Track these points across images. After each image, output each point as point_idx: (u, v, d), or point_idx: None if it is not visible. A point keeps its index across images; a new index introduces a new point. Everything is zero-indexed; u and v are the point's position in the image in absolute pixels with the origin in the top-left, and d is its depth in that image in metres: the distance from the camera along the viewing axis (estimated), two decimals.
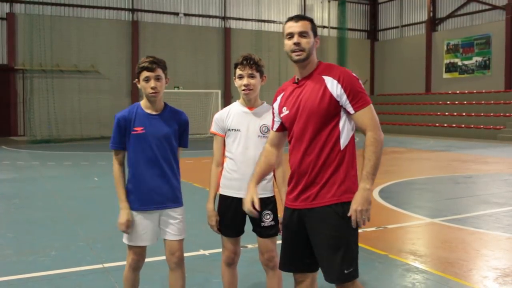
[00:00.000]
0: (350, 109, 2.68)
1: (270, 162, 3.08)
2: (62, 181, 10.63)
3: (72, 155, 16.46)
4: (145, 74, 3.25)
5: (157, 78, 3.27)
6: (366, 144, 2.67)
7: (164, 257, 3.49)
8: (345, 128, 2.73)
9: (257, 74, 3.27)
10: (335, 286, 2.79)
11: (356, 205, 2.61)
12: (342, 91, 2.67)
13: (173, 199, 3.36)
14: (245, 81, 3.24)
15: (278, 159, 3.32)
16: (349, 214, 2.63)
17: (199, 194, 9.04)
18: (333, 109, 2.69)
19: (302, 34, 2.76)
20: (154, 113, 3.32)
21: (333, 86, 2.69)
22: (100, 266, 4.88)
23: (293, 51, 2.76)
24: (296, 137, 2.79)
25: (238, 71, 3.28)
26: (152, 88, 3.24)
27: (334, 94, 2.68)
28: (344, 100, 2.68)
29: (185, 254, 5.15)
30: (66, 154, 16.58)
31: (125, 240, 3.37)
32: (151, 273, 4.52)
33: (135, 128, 3.27)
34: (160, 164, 3.29)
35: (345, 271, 2.67)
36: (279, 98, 2.94)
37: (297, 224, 2.81)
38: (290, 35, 2.78)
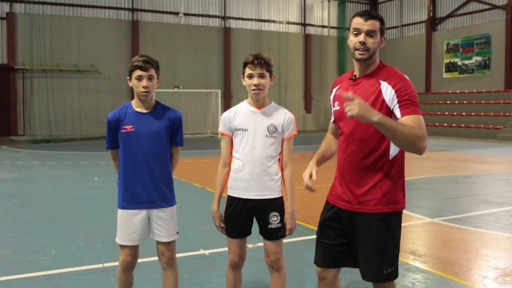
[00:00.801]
0: (398, 113, 2.58)
1: (331, 147, 3.05)
2: (62, 181, 10.62)
3: (72, 154, 16.46)
4: (138, 72, 3.23)
5: (150, 78, 3.25)
6: (411, 126, 2.49)
7: None
8: None
9: (267, 74, 3.23)
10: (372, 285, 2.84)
11: (359, 99, 2.40)
12: (395, 95, 2.60)
13: (163, 199, 3.32)
14: (255, 80, 3.18)
15: (288, 158, 3.31)
16: (346, 94, 2.44)
17: (199, 194, 9.04)
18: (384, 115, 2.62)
19: (369, 33, 2.65)
20: (144, 111, 3.31)
21: (387, 91, 2.62)
22: (100, 266, 4.87)
23: (357, 49, 2.67)
24: (345, 136, 2.77)
25: (248, 70, 3.21)
26: (144, 87, 3.22)
27: (387, 100, 2.61)
28: (394, 103, 2.59)
29: (185, 254, 5.21)
30: (66, 154, 16.57)
31: (116, 239, 3.38)
32: (150, 272, 4.52)
33: (125, 127, 3.27)
34: (150, 162, 3.26)
35: (384, 271, 2.70)
36: (334, 90, 2.92)
37: (335, 220, 2.84)
38: (357, 32, 2.67)
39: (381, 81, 2.66)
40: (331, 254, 2.87)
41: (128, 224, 3.30)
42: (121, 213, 3.34)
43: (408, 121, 2.53)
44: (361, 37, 2.65)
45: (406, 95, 2.59)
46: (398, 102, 2.59)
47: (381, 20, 2.70)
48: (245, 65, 3.24)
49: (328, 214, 2.88)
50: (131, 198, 3.29)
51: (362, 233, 2.72)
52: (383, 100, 2.62)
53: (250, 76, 3.21)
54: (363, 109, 2.36)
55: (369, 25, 2.65)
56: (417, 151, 2.52)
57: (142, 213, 3.30)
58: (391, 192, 2.69)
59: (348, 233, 2.80)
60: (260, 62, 3.18)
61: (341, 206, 2.80)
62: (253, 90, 3.20)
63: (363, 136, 2.68)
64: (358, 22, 2.67)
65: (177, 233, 3.41)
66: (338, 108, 2.83)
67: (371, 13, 2.70)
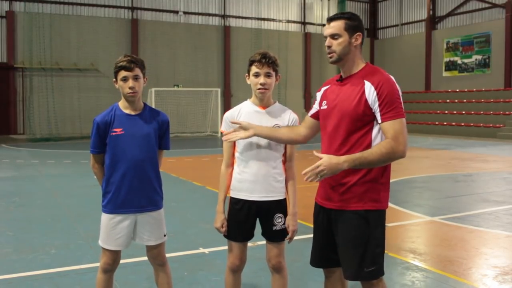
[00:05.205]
0: (379, 118, 2.63)
1: (290, 135, 3.07)
2: (61, 179, 10.63)
3: (71, 153, 16.46)
4: (123, 73, 3.18)
5: (135, 78, 3.18)
6: (380, 144, 2.59)
7: None
8: (377, 138, 2.69)
9: (273, 73, 3.18)
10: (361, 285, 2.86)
11: (323, 162, 2.50)
12: (376, 98, 2.63)
13: (152, 202, 3.27)
14: (262, 79, 3.13)
15: (291, 159, 3.29)
16: (308, 170, 2.51)
17: (199, 192, 9.04)
18: (366, 115, 2.66)
19: (333, 36, 2.75)
20: (133, 113, 3.25)
21: (370, 92, 2.65)
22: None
23: (327, 54, 2.80)
24: (328, 134, 2.82)
25: (255, 69, 3.15)
26: (130, 88, 3.15)
27: (369, 101, 2.65)
28: (375, 107, 2.64)
29: (185, 253, 5.22)
30: (65, 153, 16.57)
31: (100, 242, 3.30)
32: (150, 271, 4.52)
33: (114, 129, 3.20)
34: (140, 165, 3.20)
35: (365, 269, 2.71)
36: (323, 89, 2.98)
37: (324, 220, 2.89)
38: (325, 38, 2.80)
39: (365, 81, 2.71)
40: (323, 255, 2.94)
41: (117, 229, 3.21)
42: (108, 218, 3.23)
43: (388, 127, 2.60)
44: (327, 42, 2.78)
45: (386, 97, 2.62)
46: (379, 105, 2.63)
47: (347, 19, 2.76)
48: (251, 63, 3.18)
49: (317, 215, 2.95)
50: (119, 203, 3.20)
51: (344, 230, 2.76)
52: (366, 100, 2.66)
53: (257, 75, 3.15)
54: (332, 168, 2.51)
55: (331, 28, 2.76)
56: (397, 159, 2.63)
57: (130, 218, 3.23)
58: (372, 190, 2.71)
59: (333, 232, 2.84)
60: (268, 61, 3.13)
61: (326, 205, 2.84)
62: (259, 89, 3.14)
63: (345, 134, 2.72)
64: (325, 28, 2.83)
65: (165, 235, 3.35)
66: (326, 107, 2.86)
67: (334, 16, 2.79)
